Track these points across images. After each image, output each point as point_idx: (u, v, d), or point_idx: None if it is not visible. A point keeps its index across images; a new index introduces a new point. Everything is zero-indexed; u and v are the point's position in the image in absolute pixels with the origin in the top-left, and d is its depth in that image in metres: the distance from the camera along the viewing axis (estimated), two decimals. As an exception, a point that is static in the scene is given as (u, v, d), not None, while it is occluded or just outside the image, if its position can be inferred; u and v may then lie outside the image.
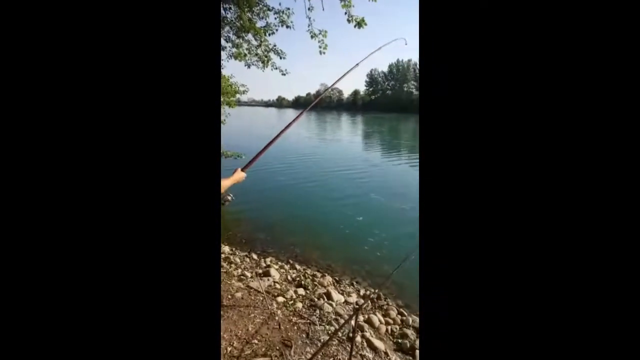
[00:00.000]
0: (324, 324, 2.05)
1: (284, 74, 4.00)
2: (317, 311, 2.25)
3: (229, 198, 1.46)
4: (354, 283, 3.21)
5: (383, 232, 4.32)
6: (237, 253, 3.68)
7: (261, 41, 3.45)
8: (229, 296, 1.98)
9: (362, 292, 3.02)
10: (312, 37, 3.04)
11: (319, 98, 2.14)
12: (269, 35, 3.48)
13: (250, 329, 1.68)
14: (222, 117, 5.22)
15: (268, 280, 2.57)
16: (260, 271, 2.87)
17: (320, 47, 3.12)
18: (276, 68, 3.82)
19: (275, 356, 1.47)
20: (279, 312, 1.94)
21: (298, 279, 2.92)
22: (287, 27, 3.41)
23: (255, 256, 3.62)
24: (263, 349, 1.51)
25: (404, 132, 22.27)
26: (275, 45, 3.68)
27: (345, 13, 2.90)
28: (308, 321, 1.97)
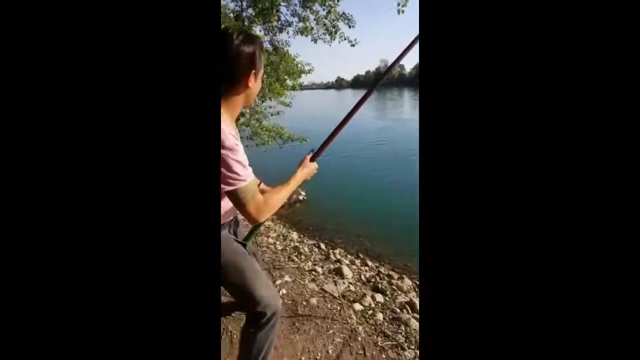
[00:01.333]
0: (412, 347, 1.68)
1: (353, 45, 3.53)
2: (402, 327, 1.89)
3: (301, 197, 1.13)
4: (439, 289, 2.75)
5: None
6: (305, 241, 3.52)
7: (331, 7, 3.02)
8: (304, 302, 1.74)
9: (449, 301, 2.55)
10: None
11: (384, 75, 1.65)
12: (337, 1, 3.03)
13: (330, 351, 1.41)
14: (288, 100, 5.03)
15: (342, 281, 2.29)
16: (332, 267, 2.62)
17: (399, 4, 2.56)
18: (345, 39, 3.37)
19: (367, 400, 1.16)
20: (360, 328, 1.63)
21: (373, 280, 2.59)
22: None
23: (323, 246, 3.41)
24: (350, 386, 1.22)
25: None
26: (344, 12, 3.22)
27: None
28: (394, 342, 1.63)
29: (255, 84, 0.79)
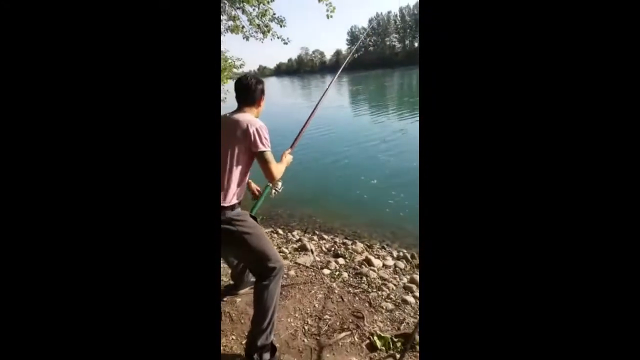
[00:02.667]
0: (375, 290, 2.11)
1: (286, 43, 3.69)
2: (364, 278, 2.31)
3: (279, 187, 1.46)
4: (385, 246, 3.29)
5: (401, 193, 4.35)
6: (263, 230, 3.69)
7: (265, 10, 3.11)
8: (285, 275, 1.98)
9: (394, 253, 3.10)
10: (319, 0, 2.74)
11: (346, 62, 2.12)
12: (269, 2, 3.13)
13: (316, 305, 1.70)
14: (223, 95, 4.91)
15: (308, 254, 2.59)
16: (296, 246, 2.89)
17: (327, 10, 2.84)
18: (278, 37, 3.51)
19: (353, 328, 1.50)
20: (334, 284, 1.96)
21: (333, 249, 2.96)
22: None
23: (280, 231, 3.63)
24: (338, 323, 1.55)
25: (390, 88, 21.74)
26: (275, 14, 3.35)
27: None
28: (361, 289, 2.01)
29: (263, 103, 1.34)
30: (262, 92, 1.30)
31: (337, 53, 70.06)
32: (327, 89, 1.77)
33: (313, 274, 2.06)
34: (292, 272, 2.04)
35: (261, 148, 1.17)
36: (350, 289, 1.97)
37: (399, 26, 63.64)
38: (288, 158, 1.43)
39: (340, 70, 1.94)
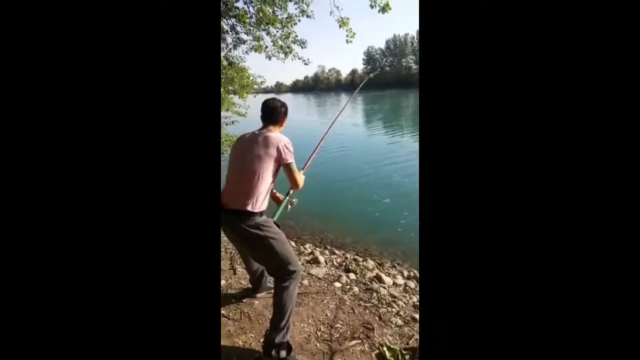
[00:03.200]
0: (385, 306, 2.18)
1: (307, 64, 3.96)
2: (375, 294, 2.38)
3: (294, 202, 1.65)
4: (396, 265, 3.34)
5: (413, 213, 4.42)
6: (275, 243, 3.83)
7: (288, 33, 3.41)
8: (299, 284, 2.10)
9: (405, 273, 3.15)
10: (340, 26, 2.99)
11: (364, 82, 2.36)
12: (292, 25, 3.42)
13: (328, 314, 1.80)
14: (244, 110, 5.22)
15: (320, 267, 2.70)
16: (307, 258, 3.00)
17: (347, 35, 3.08)
18: (299, 58, 3.78)
19: (363, 338, 1.59)
20: (345, 297, 2.06)
21: (344, 264, 3.05)
22: (307, 16, 3.36)
23: (293, 243, 3.75)
24: (349, 332, 1.64)
25: (405, 109, 21.95)
26: (297, 36, 3.63)
27: None
28: (371, 304, 2.09)
29: (285, 123, 1.55)
30: (286, 113, 1.53)
31: (353, 72, 71.71)
32: (341, 110, 2.06)
33: (325, 285, 2.17)
34: (305, 282, 2.15)
35: (289, 160, 1.37)
36: (361, 302, 2.06)
37: (416, 48, 64.89)
38: (302, 177, 1.62)
39: (355, 92, 2.18)
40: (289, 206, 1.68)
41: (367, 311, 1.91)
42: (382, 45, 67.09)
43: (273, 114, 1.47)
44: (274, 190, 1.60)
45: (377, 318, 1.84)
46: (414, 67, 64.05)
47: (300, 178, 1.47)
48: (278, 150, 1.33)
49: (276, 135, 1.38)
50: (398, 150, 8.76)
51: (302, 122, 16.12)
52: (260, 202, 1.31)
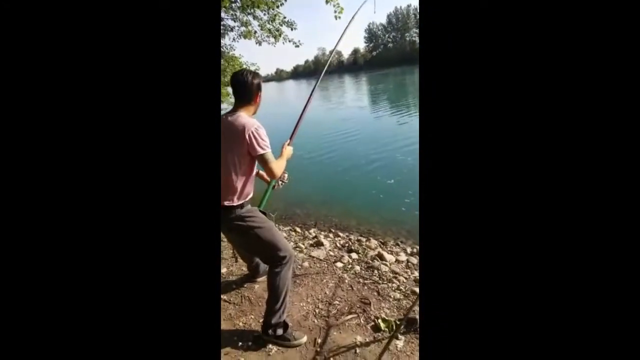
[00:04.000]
0: (385, 282, 2.22)
1: (298, 46, 3.89)
2: (376, 271, 2.42)
3: (285, 178, 1.59)
4: (399, 243, 3.37)
5: (417, 193, 4.38)
6: (281, 228, 3.89)
7: (275, 15, 3.33)
8: (299, 266, 2.15)
9: (408, 250, 3.18)
10: (327, 2, 2.90)
11: (328, 61, 2.26)
12: (279, 7, 3.34)
13: (327, 292, 1.85)
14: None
15: (321, 248, 2.75)
16: (311, 242, 3.05)
17: (335, 11, 2.99)
18: (290, 41, 3.71)
19: (360, 313, 1.63)
20: (345, 275, 2.10)
21: (347, 245, 3.10)
22: (294, -6, 3.27)
23: (298, 229, 3.82)
24: (346, 308, 1.69)
25: (411, 86, 21.35)
26: (285, 18, 3.55)
27: None
28: (372, 280, 2.13)
29: (260, 99, 1.34)
30: (259, 87, 1.27)
31: (355, 52, 69.70)
32: (316, 84, 1.92)
33: (326, 265, 2.22)
34: (306, 264, 2.20)
35: (259, 151, 1.20)
36: (360, 279, 2.10)
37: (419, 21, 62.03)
38: (288, 150, 1.45)
39: (322, 74, 2.10)
40: (279, 184, 1.56)
41: (366, 287, 1.95)
42: (384, 21, 64.48)
43: (243, 89, 1.24)
44: (260, 172, 1.52)
45: (375, 293, 1.89)
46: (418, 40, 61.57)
47: (278, 167, 1.27)
48: (244, 140, 1.17)
49: (243, 121, 1.19)
50: (403, 130, 8.61)
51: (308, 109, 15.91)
52: (239, 194, 1.26)
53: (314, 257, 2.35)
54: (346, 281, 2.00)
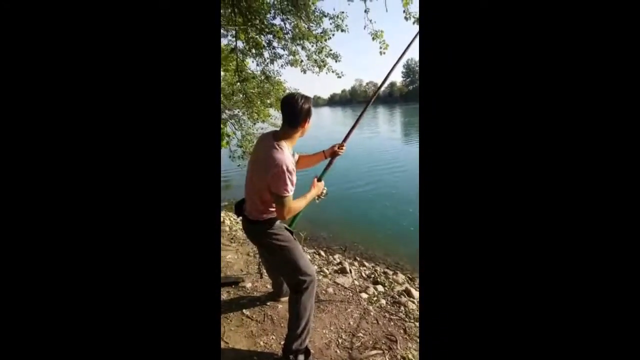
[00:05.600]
0: (412, 320, 2.08)
1: (340, 77, 4.06)
2: (402, 308, 2.29)
3: (324, 194, 1.51)
4: (428, 280, 3.17)
5: (449, 228, 4.18)
6: (306, 250, 3.86)
7: (322, 47, 3.55)
8: (323, 291, 2.10)
9: (438, 289, 2.98)
10: (373, 39, 3.05)
11: (375, 94, 2.30)
12: (326, 40, 3.57)
13: (351, 323, 1.77)
14: (280, 122, 5.45)
15: (346, 276, 2.67)
16: (336, 268, 2.98)
17: (381, 47, 3.12)
18: (333, 71, 3.90)
19: (385, 349, 1.54)
20: (370, 307, 2.01)
21: (372, 276, 2.98)
22: (342, 30, 3.48)
23: (323, 253, 3.77)
24: (371, 342, 1.59)
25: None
26: (331, 50, 3.76)
27: (404, 11, 2.86)
28: (398, 317, 2.01)
29: (308, 125, 1.25)
30: (309, 112, 1.18)
31: (392, 85, 71.11)
32: (358, 118, 1.91)
33: (351, 294, 2.14)
34: (330, 290, 2.14)
35: (277, 193, 1.13)
36: (386, 314, 1.99)
37: (459, 59, 62.42)
38: (317, 188, 1.35)
39: (371, 101, 2.14)
40: (319, 198, 1.44)
41: (392, 323, 1.85)
42: (422, 57, 65.77)
43: (292, 113, 1.15)
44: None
45: (402, 331, 1.77)
46: (457, 77, 61.49)
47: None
48: (270, 175, 1.11)
49: (278, 155, 1.11)
50: (436, 162, 8.40)
51: (340, 133, 16.33)
52: (267, 211, 1.24)
53: (338, 284, 2.29)
54: (372, 314, 1.91)
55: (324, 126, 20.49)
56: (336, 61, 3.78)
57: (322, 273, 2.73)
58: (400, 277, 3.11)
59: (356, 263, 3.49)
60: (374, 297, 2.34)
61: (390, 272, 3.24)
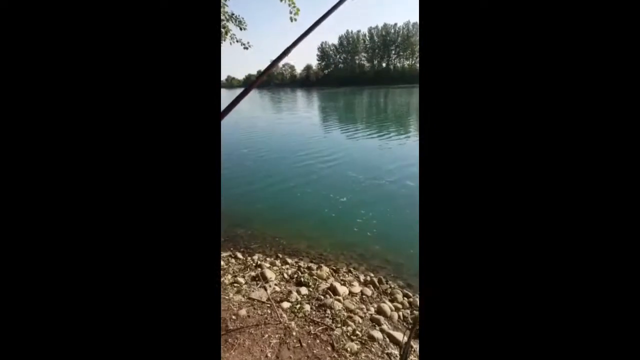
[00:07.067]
0: (339, 325, 1.89)
1: (246, 48, 3.49)
2: (328, 311, 2.08)
3: None
4: (351, 270, 3.09)
5: (370, 211, 4.24)
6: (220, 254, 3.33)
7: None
8: (233, 316, 1.70)
9: (361, 278, 2.92)
10: (281, 0, 2.60)
11: (262, 75, 1.94)
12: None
13: (269, 354, 1.44)
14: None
15: (267, 284, 2.31)
16: (254, 274, 2.59)
17: (291, 12, 2.71)
18: (237, 41, 3.30)
19: (311, 385, 1.26)
20: (292, 324, 1.72)
21: (296, 275, 2.70)
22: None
23: (240, 255, 3.30)
24: (293, 378, 1.30)
25: (358, 107, 22.37)
26: (233, 14, 3.15)
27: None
28: (324, 326, 1.79)
29: None
30: None
31: (308, 68, 71.54)
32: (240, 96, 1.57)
33: (269, 311, 1.80)
34: (243, 312, 1.75)
35: None
36: (311, 327, 1.74)
37: (368, 46, 66.73)
38: None
39: (256, 83, 1.81)
40: None
41: (318, 340, 1.59)
42: (336, 41, 67.77)
43: None
44: None
45: (329, 348, 1.53)
46: (366, 64, 65.98)
47: None
48: None
49: None
50: (355, 146, 8.70)
51: (259, 119, 15.50)
52: None
53: (254, 299, 1.91)
54: (294, 333, 1.61)
55: (242, 110, 18.97)
56: (241, 29, 3.18)
57: (236, 284, 2.30)
58: (325, 270, 2.94)
59: (278, 262, 3.16)
60: (297, 304, 2.07)
61: (314, 267, 3.04)
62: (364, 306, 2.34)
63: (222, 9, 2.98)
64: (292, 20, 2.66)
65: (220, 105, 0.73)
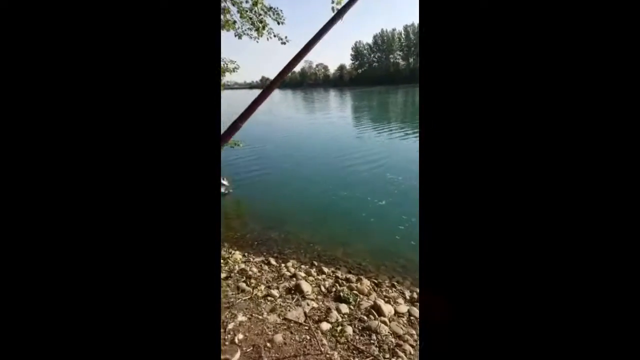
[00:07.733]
0: (388, 356, 1.60)
1: (284, 43, 3.30)
2: (373, 336, 1.80)
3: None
4: (395, 284, 2.77)
5: (412, 216, 3.85)
6: (252, 259, 3.18)
7: (256, 0, 2.75)
8: (268, 344, 1.48)
9: (407, 294, 2.58)
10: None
11: (282, 76, 1.78)
12: (264, -8, 2.78)
13: (309, 396, 1.20)
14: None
15: (303, 300, 2.09)
16: (288, 285, 2.38)
17: (333, 2, 2.46)
18: (275, 35, 3.12)
19: None
20: (335, 354, 1.46)
21: (334, 289, 2.45)
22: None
23: (273, 261, 3.13)
24: None
25: (392, 105, 21.53)
26: (271, 7, 2.98)
27: None
28: (371, 357, 1.51)
29: None
30: None
31: (341, 68, 71.17)
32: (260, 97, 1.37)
33: (307, 337, 1.56)
34: (279, 338, 1.53)
35: None
36: (356, 358, 1.47)
37: (404, 44, 64.63)
38: None
39: (277, 84, 1.64)
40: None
41: (367, 380, 1.32)
42: (370, 41, 66.61)
43: None
44: None
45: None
46: (401, 63, 64.04)
47: None
48: None
49: None
50: (393, 148, 8.25)
51: (294, 119, 15.55)
52: None
53: (291, 320, 1.69)
54: (337, 367, 1.36)
55: (276, 111, 19.16)
56: (279, 23, 3.01)
57: (270, 298, 2.11)
58: (365, 284, 2.65)
59: (313, 270, 2.93)
60: (338, 325, 1.82)
61: (354, 278, 2.76)
62: (413, 331, 2.02)
63: (258, 4, 2.82)
64: (333, 11, 2.42)
65: (220, 105, 0.71)
